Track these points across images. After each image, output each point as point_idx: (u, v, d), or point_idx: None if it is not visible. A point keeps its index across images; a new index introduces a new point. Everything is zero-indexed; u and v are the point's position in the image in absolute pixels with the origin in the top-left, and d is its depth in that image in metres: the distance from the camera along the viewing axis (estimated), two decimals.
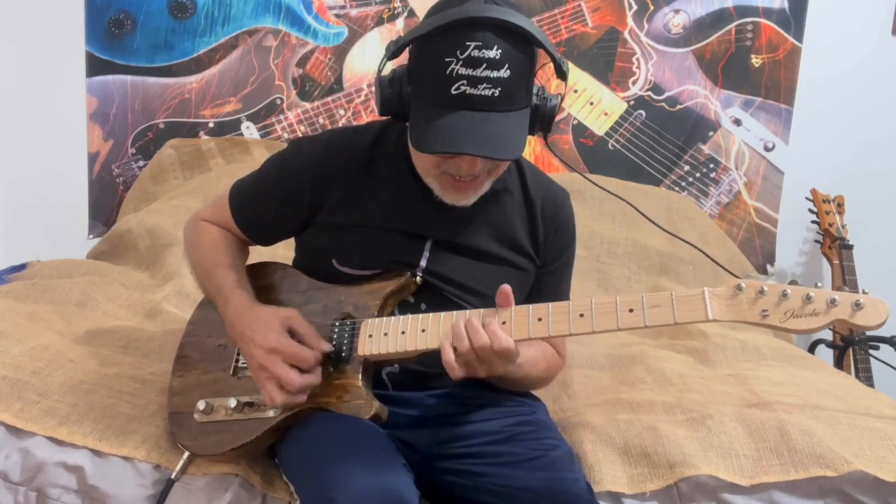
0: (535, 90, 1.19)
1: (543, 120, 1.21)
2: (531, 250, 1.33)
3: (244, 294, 1.26)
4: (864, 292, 0.99)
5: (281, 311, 1.21)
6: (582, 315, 1.08)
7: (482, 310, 1.14)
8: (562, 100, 1.22)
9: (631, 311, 1.05)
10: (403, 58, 1.20)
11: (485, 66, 1.07)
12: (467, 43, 1.07)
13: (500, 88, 1.09)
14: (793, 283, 1.03)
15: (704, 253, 1.47)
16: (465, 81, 1.08)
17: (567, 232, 1.37)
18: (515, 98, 1.12)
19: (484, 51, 1.07)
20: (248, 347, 1.19)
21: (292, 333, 1.18)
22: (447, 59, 1.08)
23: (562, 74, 1.19)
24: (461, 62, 1.07)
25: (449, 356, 1.09)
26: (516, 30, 1.09)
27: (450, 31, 1.08)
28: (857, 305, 0.97)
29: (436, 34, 1.09)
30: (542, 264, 1.34)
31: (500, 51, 1.07)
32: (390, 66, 1.20)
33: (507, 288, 1.12)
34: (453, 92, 1.08)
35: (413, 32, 1.14)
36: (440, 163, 1.18)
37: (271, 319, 1.19)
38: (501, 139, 1.10)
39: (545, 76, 2.61)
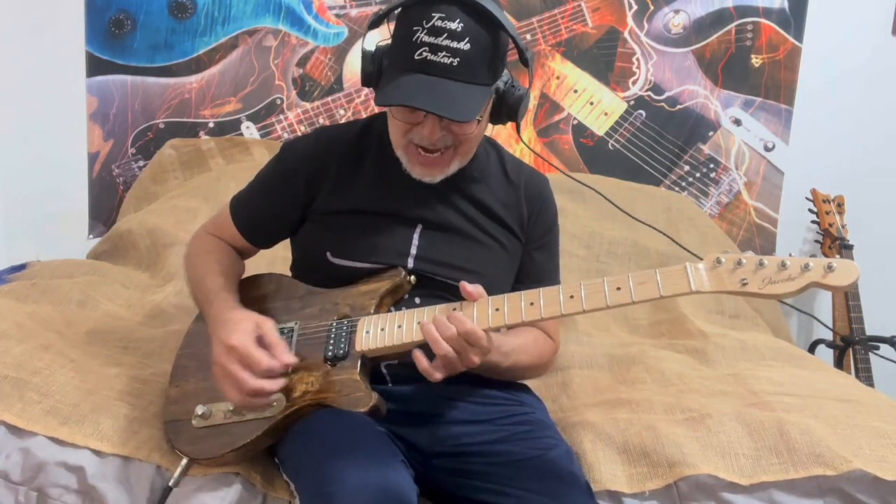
0: (504, 78, 1.27)
1: (510, 109, 1.28)
2: (517, 229, 1.38)
3: (227, 297, 1.28)
4: (838, 257, 1.02)
5: (256, 316, 1.22)
6: (572, 296, 1.11)
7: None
8: (528, 90, 1.30)
9: (619, 289, 1.09)
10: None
11: (445, 35, 1.16)
12: (432, 14, 1.16)
13: (458, 59, 1.17)
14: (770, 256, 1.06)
15: (675, 241, 1.48)
16: (426, 48, 1.17)
17: (550, 211, 1.43)
18: (475, 72, 1.19)
19: (446, 22, 1.16)
20: (216, 344, 1.20)
21: (261, 341, 1.18)
22: (415, 28, 1.17)
23: (524, 60, 1.27)
24: (426, 31, 1.16)
25: (423, 364, 1.13)
26: (478, 8, 1.17)
27: (421, 3, 1.17)
28: (829, 268, 1.00)
29: (409, 6, 1.19)
30: (527, 241, 1.39)
31: (461, 24, 1.16)
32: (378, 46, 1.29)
33: (464, 284, 1.17)
34: (416, 57, 1.17)
35: (391, 4, 1.22)
36: (406, 132, 1.25)
37: (242, 321, 1.20)
38: (451, 101, 1.17)
39: (545, 76, 2.61)
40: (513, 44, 1.24)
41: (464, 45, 1.16)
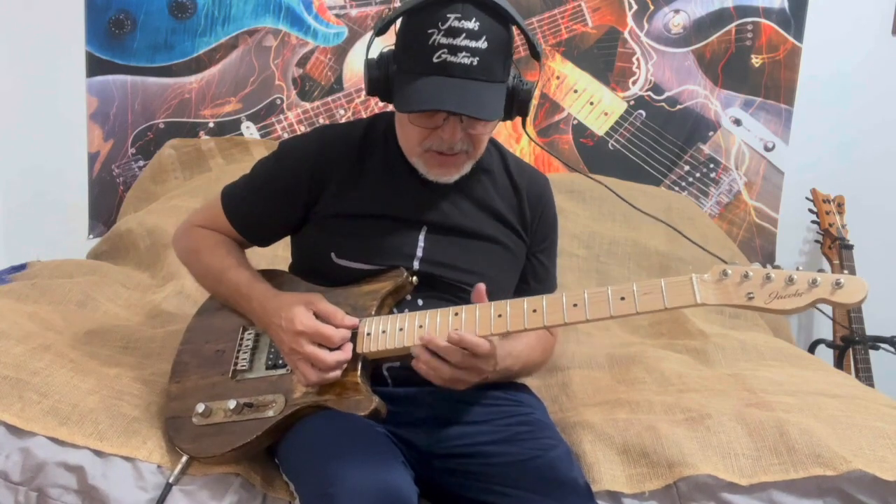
0: (512, 73, 1.25)
1: (521, 104, 1.27)
2: (521, 230, 1.38)
3: (263, 286, 1.29)
4: (844, 272, 1.02)
5: (304, 294, 1.24)
6: (576, 305, 1.11)
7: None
8: (536, 85, 1.28)
9: (622, 298, 1.08)
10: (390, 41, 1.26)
11: (464, 35, 1.14)
12: (448, 14, 1.14)
13: (478, 58, 1.15)
14: (776, 267, 1.04)
15: (698, 244, 1.47)
16: (445, 50, 1.15)
17: (551, 214, 1.43)
18: (493, 70, 1.18)
19: (463, 21, 1.14)
20: (278, 334, 1.22)
21: (317, 315, 1.20)
22: (430, 31, 1.15)
23: (535, 54, 1.26)
24: (442, 32, 1.14)
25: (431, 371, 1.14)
26: (491, 4, 1.16)
27: (432, 4, 1.15)
28: (838, 284, 0.99)
29: (420, 8, 1.16)
30: (531, 244, 1.39)
31: (478, 23, 1.14)
32: (380, 49, 1.26)
33: (481, 287, 1.18)
34: (435, 60, 1.15)
35: (399, 8, 1.20)
36: (423, 139, 1.23)
37: (295, 304, 1.21)
38: (478, 102, 1.16)
39: (545, 76, 2.61)
40: (522, 38, 1.23)
41: (482, 44, 1.15)
